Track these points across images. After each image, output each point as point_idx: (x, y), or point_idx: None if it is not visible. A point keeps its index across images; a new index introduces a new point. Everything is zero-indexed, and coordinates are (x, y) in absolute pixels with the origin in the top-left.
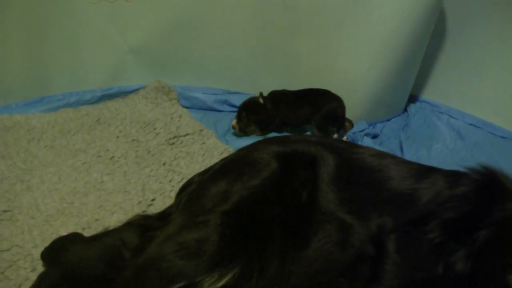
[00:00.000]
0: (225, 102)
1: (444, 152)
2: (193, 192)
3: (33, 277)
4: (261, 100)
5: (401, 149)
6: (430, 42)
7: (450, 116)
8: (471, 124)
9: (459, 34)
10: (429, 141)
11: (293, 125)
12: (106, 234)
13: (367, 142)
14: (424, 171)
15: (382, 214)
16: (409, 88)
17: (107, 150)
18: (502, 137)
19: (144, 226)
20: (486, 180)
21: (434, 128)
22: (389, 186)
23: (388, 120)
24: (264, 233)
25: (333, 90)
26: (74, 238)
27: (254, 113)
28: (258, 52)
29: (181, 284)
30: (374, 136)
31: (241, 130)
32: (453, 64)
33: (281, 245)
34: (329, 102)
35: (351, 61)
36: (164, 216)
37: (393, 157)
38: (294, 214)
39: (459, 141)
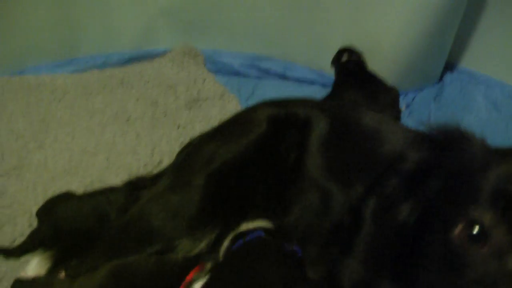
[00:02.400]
0: (253, 66)
1: (476, 124)
2: (187, 153)
3: (28, 232)
4: None
5: (429, 121)
6: (468, 6)
7: (488, 86)
8: (510, 96)
9: None
10: (462, 112)
11: None
12: (97, 193)
13: None
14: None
15: (366, 181)
16: (444, 55)
17: (125, 111)
18: None
19: (134, 185)
20: (451, 133)
21: (469, 99)
22: (378, 151)
23: (421, 90)
24: (246, 197)
25: (364, 53)
26: (66, 196)
27: None
28: (287, 15)
29: (158, 246)
30: (406, 106)
31: None
32: (495, 30)
33: (263, 209)
34: None
35: (383, 23)
36: (158, 177)
37: (394, 123)
38: (279, 178)
39: (494, 113)
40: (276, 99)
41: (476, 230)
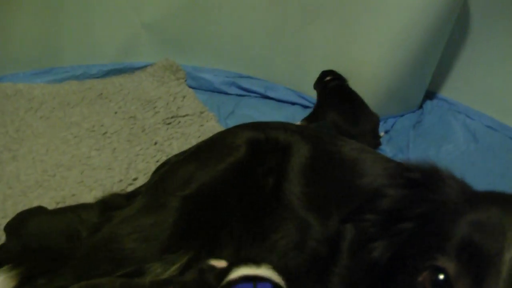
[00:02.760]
0: (233, 84)
1: (455, 153)
2: (163, 173)
3: None
4: None
5: (408, 148)
6: (451, 36)
7: (467, 116)
8: (488, 126)
9: (483, 29)
10: (441, 141)
11: None
12: (69, 209)
13: None
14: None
15: (344, 213)
16: (426, 83)
17: (102, 125)
18: None
19: (107, 204)
20: (428, 173)
21: (447, 128)
22: (358, 183)
23: (401, 116)
24: (222, 221)
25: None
26: (37, 211)
27: None
28: (272, 37)
29: (129, 268)
30: (385, 132)
31: None
32: (475, 61)
33: (238, 236)
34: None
35: (366, 50)
36: (133, 195)
37: (374, 153)
38: (256, 204)
39: (472, 144)
40: (256, 122)
41: (440, 278)
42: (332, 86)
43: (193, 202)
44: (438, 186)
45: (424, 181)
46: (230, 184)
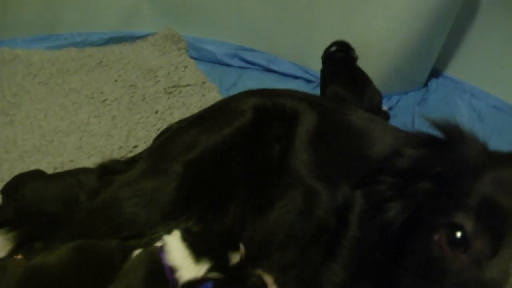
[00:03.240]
0: (236, 56)
1: None
2: (165, 139)
3: None
4: None
5: (413, 125)
6: (458, 14)
7: (473, 95)
8: (494, 106)
9: (490, 8)
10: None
11: None
12: (67, 173)
13: None
14: (411, 139)
15: (354, 181)
16: (431, 61)
17: (102, 92)
18: None
19: (106, 169)
20: (449, 131)
21: (453, 107)
22: (368, 152)
23: (405, 93)
24: (226, 187)
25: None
26: (34, 175)
27: None
28: (276, 9)
29: (129, 233)
30: (388, 108)
31: None
32: (482, 41)
33: (243, 202)
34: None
35: (372, 26)
36: (133, 161)
37: (383, 123)
38: (262, 171)
39: (477, 123)
40: (263, 89)
41: (457, 236)
42: (335, 57)
43: (196, 167)
44: (459, 145)
45: (445, 139)
46: (235, 150)
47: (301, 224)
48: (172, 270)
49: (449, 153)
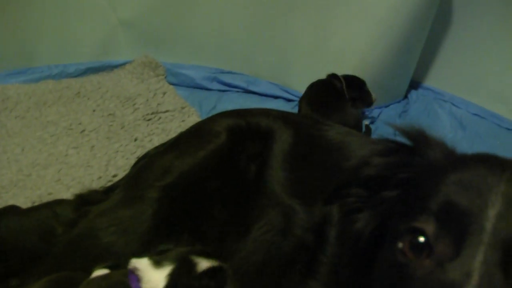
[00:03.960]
0: (215, 79)
1: None
2: (141, 166)
3: None
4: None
5: (395, 137)
6: (433, 24)
7: (453, 104)
8: (475, 114)
9: (465, 17)
10: (428, 129)
11: None
12: (43, 206)
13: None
14: (388, 152)
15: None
16: (410, 73)
17: (80, 123)
18: (508, 128)
19: (83, 199)
20: (414, 137)
21: (434, 117)
22: (345, 165)
23: (386, 106)
24: (203, 210)
25: (328, 71)
26: (9, 210)
27: None
28: (253, 31)
29: (108, 263)
30: (370, 122)
31: None
32: (459, 49)
33: (220, 225)
34: None
35: (347, 41)
36: (111, 190)
37: (360, 136)
38: (238, 192)
39: (459, 131)
40: (237, 109)
41: (420, 240)
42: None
43: (173, 192)
44: (424, 150)
45: (410, 145)
46: (211, 172)
47: (280, 243)
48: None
49: (414, 158)
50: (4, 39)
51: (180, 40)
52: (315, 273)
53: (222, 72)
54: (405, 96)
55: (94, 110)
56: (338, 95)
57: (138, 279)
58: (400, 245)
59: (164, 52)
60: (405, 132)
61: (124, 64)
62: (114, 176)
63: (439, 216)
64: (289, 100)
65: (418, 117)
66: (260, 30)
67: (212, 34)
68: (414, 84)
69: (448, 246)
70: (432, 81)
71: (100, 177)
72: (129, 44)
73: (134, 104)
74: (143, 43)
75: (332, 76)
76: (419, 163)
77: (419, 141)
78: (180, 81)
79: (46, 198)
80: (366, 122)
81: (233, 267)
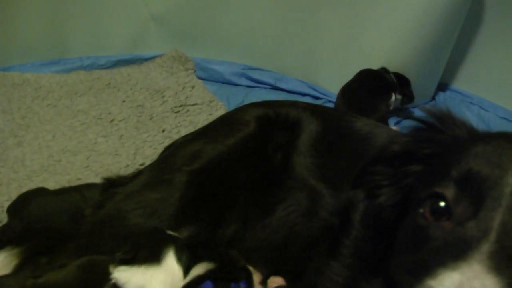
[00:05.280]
0: (243, 75)
1: None
2: (170, 152)
3: None
4: None
5: None
6: (464, 27)
7: (481, 107)
8: (503, 118)
9: (496, 20)
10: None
11: None
12: (72, 189)
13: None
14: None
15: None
16: (438, 74)
17: (109, 113)
18: None
19: (111, 183)
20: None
21: None
22: (372, 153)
23: (413, 107)
24: (229, 195)
25: (356, 70)
26: (39, 192)
27: None
28: (282, 28)
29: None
30: (397, 122)
31: None
32: (488, 52)
33: (244, 209)
34: None
35: (377, 40)
36: (138, 174)
37: (388, 129)
38: (265, 177)
39: None
40: (266, 100)
41: (440, 205)
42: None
43: (201, 177)
44: (449, 127)
45: (437, 124)
46: (239, 160)
47: (304, 224)
48: None
49: (438, 135)
50: (39, 31)
51: (210, 36)
52: (338, 254)
53: (251, 68)
54: (433, 98)
55: (123, 101)
56: (387, 88)
57: None
58: (421, 210)
59: (194, 47)
60: (432, 113)
61: (154, 57)
62: (142, 164)
63: (459, 182)
64: (316, 98)
65: None
66: (289, 28)
67: (241, 31)
68: (442, 86)
69: (467, 209)
70: (460, 83)
71: (127, 165)
72: (159, 39)
73: (163, 97)
74: (174, 38)
75: (384, 70)
76: (444, 139)
77: (445, 120)
78: (208, 76)
79: (75, 183)
80: (394, 127)
81: (255, 243)
